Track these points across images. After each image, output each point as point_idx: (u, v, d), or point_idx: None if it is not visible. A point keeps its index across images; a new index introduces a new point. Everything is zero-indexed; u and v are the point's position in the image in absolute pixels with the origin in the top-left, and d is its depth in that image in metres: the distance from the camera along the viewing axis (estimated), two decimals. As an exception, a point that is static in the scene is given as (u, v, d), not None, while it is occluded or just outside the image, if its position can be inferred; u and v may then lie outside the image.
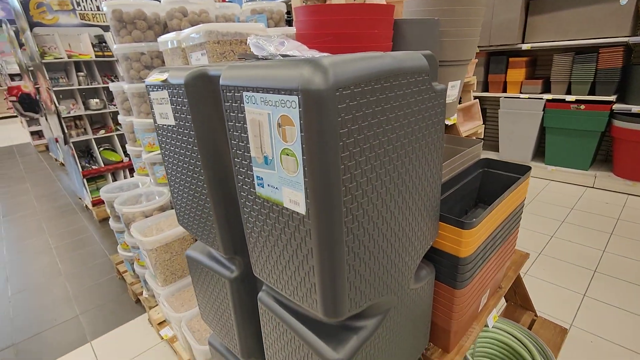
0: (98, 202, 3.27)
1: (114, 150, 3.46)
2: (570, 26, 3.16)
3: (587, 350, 1.62)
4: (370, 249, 0.60)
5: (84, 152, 3.41)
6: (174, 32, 1.25)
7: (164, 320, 1.81)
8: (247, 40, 1.08)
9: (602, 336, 1.69)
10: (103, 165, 3.28)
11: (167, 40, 1.28)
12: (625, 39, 2.90)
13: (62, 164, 5.17)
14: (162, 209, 1.82)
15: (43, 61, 2.85)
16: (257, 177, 0.61)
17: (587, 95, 3.20)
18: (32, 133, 6.29)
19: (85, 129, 3.27)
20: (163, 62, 1.82)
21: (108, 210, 2.05)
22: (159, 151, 1.86)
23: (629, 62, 3.26)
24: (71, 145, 3.08)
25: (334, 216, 0.52)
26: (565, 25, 3.19)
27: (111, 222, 2.08)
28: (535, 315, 1.60)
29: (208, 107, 0.72)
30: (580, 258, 2.28)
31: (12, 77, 5.55)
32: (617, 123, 3.06)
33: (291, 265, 0.62)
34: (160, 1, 1.78)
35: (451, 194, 1.11)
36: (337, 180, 0.51)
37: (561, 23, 3.21)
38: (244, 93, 0.56)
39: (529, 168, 1.16)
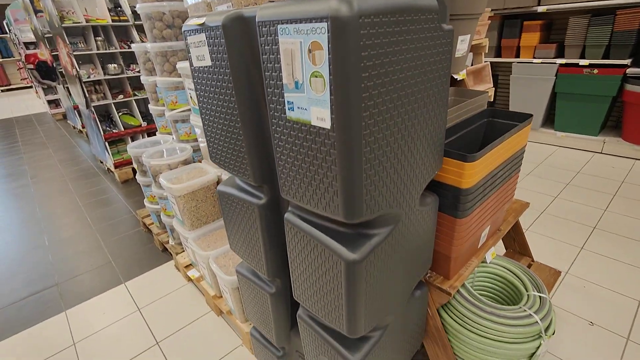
0: (120, 165, 3.44)
1: (132, 115, 3.58)
2: (588, -13, 3.09)
3: (579, 293, 1.76)
4: (383, 163, 0.72)
5: (104, 116, 3.54)
6: (199, -13, 1.32)
7: (190, 264, 1.99)
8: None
9: (595, 282, 1.82)
10: (123, 129, 3.42)
11: (192, -5, 1.36)
12: (644, 0, 2.84)
13: (80, 131, 5.35)
14: (186, 162, 1.96)
15: (63, 25, 2.93)
16: (288, 101, 0.72)
17: (601, 59, 3.18)
18: (49, 102, 6.44)
19: (104, 94, 3.39)
20: (184, 21, 1.90)
21: (135, 166, 2.20)
22: (181, 109, 1.98)
23: (647, 25, 3.19)
24: (92, 109, 3.21)
25: (354, 129, 0.63)
26: (583, -14, 3.12)
27: (138, 177, 2.23)
28: (532, 261, 1.73)
29: (242, 46, 0.82)
30: (582, 216, 2.38)
31: (26, 45, 5.63)
32: (629, 87, 3.05)
33: (316, 177, 0.74)
34: (179, -40, 1.83)
35: (456, 139, 1.21)
36: (358, 97, 0.61)
37: (579, -17, 3.14)
38: (279, 26, 0.66)
39: (530, 115, 1.24)
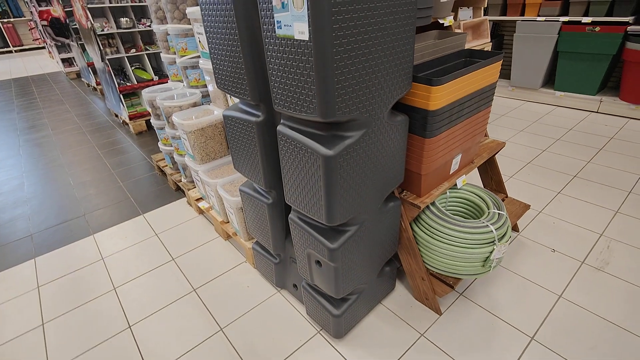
0: (134, 117, 3.65)
1: (144, 69, 3.74)
2: (597, -60, 3.05)
3: (548, 228, 1.95)
4: (352, 72, 0.89)
5: (118, 70, 3.71)
6: None
7: (201, 197, 2.23)
8: None
9: (564, 219, 2.01)
10: (136, 83, 3.60)
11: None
12: (651, -47, 2.81)
13: (95, 89, 5.54)
14: (195, 104, 2.14)
15: (76, -22, 3.04)
16: (277, 21, 0.88)
17: (604, 16, 3.18)
18: (63, 61, 6.60)
19: (117, 48, 3.54)
20: (191, -31, 2.01)
21: (149, 110, 2.39)
22: (191, 55, 2.14)
23: (655, -19, 3.16)
24: (107, 62, 3.38)
25: (326, 38, 0.80)
26: (592, -61, 3.07)
27: (152, 120, 2.44)
28: (506, 196, 1.92)
29: (241, -22, 0.98)
30: (565, 167, 2.53)
31: (39, 2, 5.72)
32: (629, 45, 3.08)
33: (299, 85, 0.92)
34: None
35: (434, 73, 1.36)
36: (329, 12, 0.78)
37: (588, -64, 3.09)
38: (268, -46, 0.82)
39: (500, 53, 1.38)
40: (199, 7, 1.82)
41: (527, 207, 1.83)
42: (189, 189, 2.32)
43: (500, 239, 1.34)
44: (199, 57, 2.15)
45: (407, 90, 1.11)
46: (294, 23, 0.84)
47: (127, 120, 3.68)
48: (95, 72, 5.22)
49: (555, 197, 2.21)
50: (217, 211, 2.00)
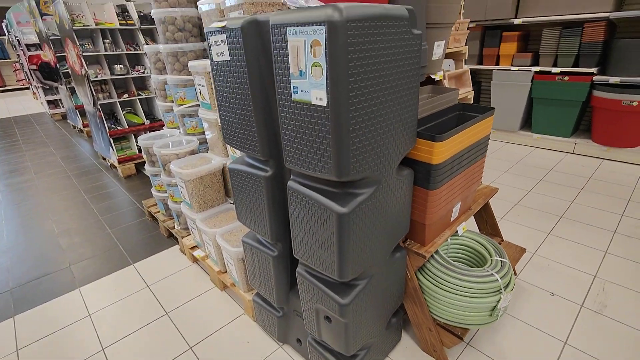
0: (123, 160, 3.61)
1: (136, 113, 3.76)
2: (559, 2, 3.40)
3: (544, 270, 1.99)
4: (366, 133, 0.93)
5: (109, 115, 3.71)
6: (213, -4, 1.54)
7: (195, 245, 2.18)
8: (277, 1, 1.38)
9: (558, 261, 2.05)
10: (127, 127, 3.60)
11: (207, 3, 1.57)
12: (607, 14, 3.15)
13: (81, 130, 5.48)
14: (192, 152, 2.15)
15: (74, 28, 3.12)
16: (293, 86, 0.93)
17: (572, 67, 3.47)
18: (49, 102, 6.57)
19: (110, 93, 3.57)
20: (194, 25, 2.11)
21: (145, 157, 2.38)
22: (189, 104, 2.18)
23: (611, 37, 3.51)
24: (99, 107, 3.39)
25: (344, 105, 0.85)
26: (555, 1, 3.43)
27: (147, 167, 2.42)
28: (502, 240, 1.96)
29: (256, 44, 1.04)
30: (551, 207, 2.63)
31: (28, 47, 5.78)
32: (596, 93, 3.35)
33: (314, 145, 0.95)
34: (190, -29, 2.05)
35: (431, 127, 1.44)
36: (347, 81, 0.83)
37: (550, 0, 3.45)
38: (288, 28, 0.88)
39: (492, 108, 1.47)
40: (200, 61, 1.89)
41: (523, 250, 1.87)
42: (183, 237, 2.26)
43: (505, 287, 1.35)
44: (197, 106, 2.19)
45: (412, 146, 1.17)
46: (311, 90, 0.89)
47: (116, 164, 3.63)
48: (83, 114, 5.21)
49: (546, 239, 2.27)
50: (214, 260, 1.94)
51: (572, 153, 3.66)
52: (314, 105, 0.90)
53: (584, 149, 3.57)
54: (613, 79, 3.24)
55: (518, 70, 3.79)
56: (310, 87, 0.88)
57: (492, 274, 1.36)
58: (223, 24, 1.07)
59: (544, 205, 2.66)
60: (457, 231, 1.55)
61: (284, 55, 0.92)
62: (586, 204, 2.64)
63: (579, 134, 3.81)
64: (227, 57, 1.11)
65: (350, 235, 1.02)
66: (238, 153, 1.80)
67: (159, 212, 2.60)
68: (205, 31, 1.15)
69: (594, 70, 3.34)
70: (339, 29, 0.78)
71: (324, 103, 0.87)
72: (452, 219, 1.54)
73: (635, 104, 3.10)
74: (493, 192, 1.82)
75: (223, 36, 1.09)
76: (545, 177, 3.14)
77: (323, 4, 1.02)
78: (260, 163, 1.26)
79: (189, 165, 1.98)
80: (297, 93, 0.93)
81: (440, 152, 1.20)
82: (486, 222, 1.99)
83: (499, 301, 1.34)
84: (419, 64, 1.06)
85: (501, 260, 1.44)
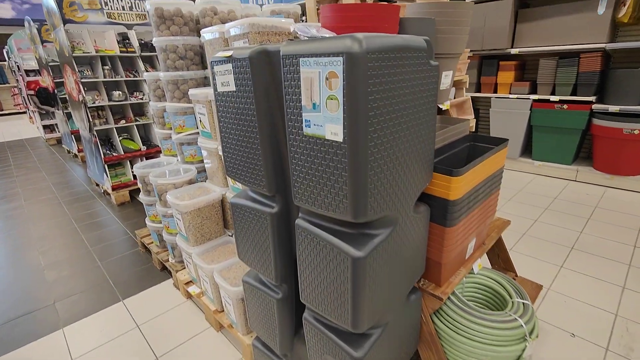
0: (117, 187, 3.50)
1: (132, 139, 3.69)
2: (554, 33, 3.47)
3: (561, 307, 1.88)
4: (384, 170, 0.86)
5: (105, 140, 3.64)
6: (217, 25, 1.50)
7: (190, 281, 2.05)
8: (288, 29, 1.35)
9: (575, 297, 1.95)
10: (123, 153, 3.51)
11: (210, 31, 1.53)
12: (603, 45, 3.21)
13: (75, 155, 5.39)
14: (190, 182, 2.07)
15: (73, 55, 3.10)
16: (305, 120, 0.86)
17: (570, 96, 3.50)
18: (45, 127, 6.51)
19: (107, 119, 3.51)
20: (195, 53, 2.08)
21: (140, 185, 2.29)
22: (188, 132, 2.11)
23: (607, 66, 3.57)
24: (94, 133, 3.32)
25: (362, 141, 0.78)
26: (550, 32, 3.50)
27: (142, 196, 2.32)
28: (516, 275, 1.86)
29: (264, 75, 0.98)
30: (560, 238, 2.55)
31: (27, 72, 5.78)
32: (596, 121, 3.35)
33: (328, 183, 0.87)
34: (194, 1, 2.04)
35: (443, 159, 1.37)
36: (366, 115, 0.76)
37: (546, 30, 3.52)
38: (301, 59, 0.82)
39: (506, 140, 1.42)
40: (202, 89, 1.84)
41: (540, 287, 1.77)
42: (177, 270, 2.13)
43: (530, 334, 1.24)
44: (196, 134, 2.12)
45: (429, 181, 1.09)
46: (326, 124, 0.82)
47: (110, 191, 3.52)
48: (78, 139, 5.13)
49: (559, 272, 2.17)
50: (211, 299, 1.81)
51: (575, 180, 3.63)
52: (328, 140, 0.83)
53: (587, 177, 3.54)
54: (612, 108, 3.25)
55: (516, 98, 3.81)
56: (325, 121, 0.81)
57: (515, 318, 1.25)
58: (229, 53, 1.02)
59: (552, 236, 2.57)
60: (472, 269, 1.45)
61: (296, 87, 0.86)
62: (596, 235, 2.56)
63: (580, 161, 3.79)
64: (232, 88, 1.05)
65: (366, 281, 0.92)
66: (239, 184, 1.71)
67: (152, 243, 2.47)
68: (209, 61, 1.10)
69: (592, 99, 3.36)
70: (358, 61, 0.72)
71: (339, 138, 0.80)
72: (467, 256, 1.45)
73: (636, 132, 3.09)
74: (505, 225, 1.74)
75: (229, 66, 1.03)
76: (550, 205, 3.08)
77: (335, 34, 0.97)
78: (266, 198, 1.17)
79: (187, 195, 1.89)
80: (310, 127, 0.86)
81: (458, 187, 1.13)
82: (498, 255, 1.90)
83: (524, 350, 1.23)
84: (436, 96, 1.00)
85: (523, 303, 1.33)
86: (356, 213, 0.85)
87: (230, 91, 1.06)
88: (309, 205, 0.95)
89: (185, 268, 2.14)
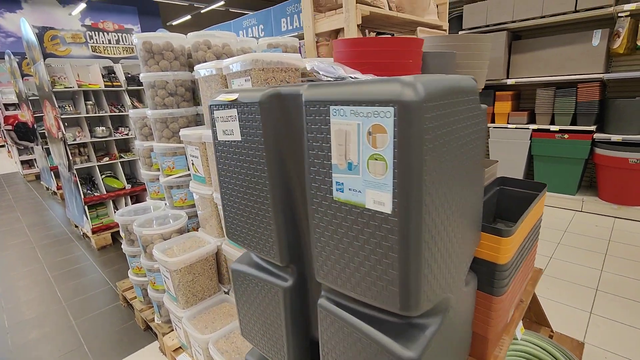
0: (98, 230, 3.21)
1: (116, 177, 3.45)
2: (550, 63, 3.47)
3: (601, 365, 1.67)
4: (439, 246, 0.67)
5: (86, 179, 3.38)
6: (214, 61, 1.34)
7: (180, 347, 1.77)
8: (295, 64, 1.19)
9: (615, 352, 1.74)
10: (105, 192, 3.25)
11: (206, 67, 1.37)
12: (601, 75, 3.19)
13: (54, 193, 5.07)
14: (180, 231, 1.83)
15: (54, 90, 2.90)
16: (337, 182, 0.67)
17: (570, 125, 3.45)
18: (23, 162, 6.18)
19: (89, 156, 3.27)
20: (187, 89, 1.91)
21: (122, 234, 2.03)
22: (178, 175, 1.90)
23: (605, 96, 3.56)
24: (74, 172, 3.07)
25: (416, 213, 0.59)
26: (545, 63, 3.49)
27: (124, 247, 2.06)
28: (552, 331, 1.65)
29: (277, 123, 0.80)
30: (581, 277, 2.37)
31: (6, 107, 5.52)
32: (598, 151, 3.29)
33: (366, 264, 0.67)
34: (186, 35, 1.90)
35: (477, 209, 1.20)
36: (421, 179, 0.58)
37: (541, 61, 3.52)
38: (331, 107, 0.64)
39: (545, 185, 1.26)
40: (194, 130, 1.66)
41: (582, 345, 1.56)
42: (164, 333, 1.85)
43: (597, 421, 1.03)
44: (187, 176, 1.92)
45: (477, 244, 0.90)
46: (366, 190, 0.63)
47: (90, 234, 3.23)
48: (57, 175, 4.84)
49: (590, 320, 1.97)
50: (204, 372, 1.54)
51: (581, 211, 3.51)
52: (369, 210, 0.64)
53: (593, 207, 3.43)
54: (615, 137, 3.20)
55: (515, 128, 3.75)
56: (365, 186, 0.63)
57: (577, 402, 1.03)
58: (234, 96, 0.84)
59: (573, 276, 2.40)
60: (516, 336, 1.24)
61: (324, 141, 0.67)
62: (617, 273, 2.40)
63: (583, 191, 3.70)
64: (237, 137, 0.86)
65: (417, 387, 0.70)
66: (237, 236, 1.50)
67: (135, 298, 2.18)
68: (207, 104, 0.92)
69: (593, 128, 3.31)
70: (415, 112, 0.55)
71: (387, 209, 0.61)
72: (508, 320, 1.24)
73: (642, 162, 3.02)
74: (538, 275, 1.55)
75: (233, 111, 0.85)
76: (562, 240, 2.93)
77: (372, 76, 0.81)
78: (277, 268, 0.96)
79: (176, 248, 1.65)
80: (342, 191, 0.67)
81: (508, 248, 0.94)
82: (530, 308, 1.70)
83: None
84: (484, 144, 0.83)
85: (581, 378, 1.12)
86: (406, 305, 0.64)
87: (234, 141, 0.87)
88: (338, 287, 0.75)
89: (173, 330, 1.86)
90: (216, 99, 0.89)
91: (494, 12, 3.57)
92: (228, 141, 0.89)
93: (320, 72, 0.78)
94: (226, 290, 1.76)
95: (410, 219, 0.59)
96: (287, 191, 0.85)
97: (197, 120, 1.99)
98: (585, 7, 3.10)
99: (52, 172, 4.74)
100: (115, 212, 3.37)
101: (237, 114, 0.84)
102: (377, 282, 0.67)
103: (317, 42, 2.22)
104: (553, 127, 3.52)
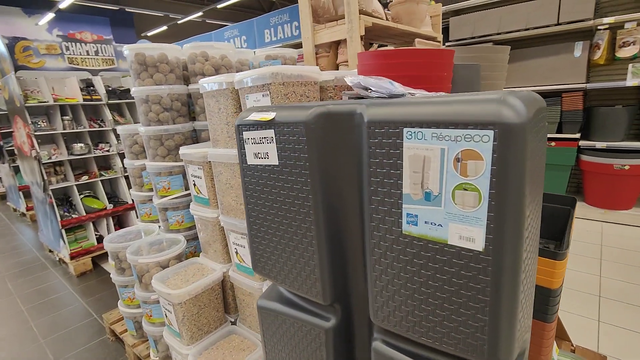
0: (77, 255, 2.96)
1: (96, 197, 3.21)
2: (535, 74, 3.56)
3: (621, 377, 1.64)
4: (529, 284, 0.59)
5: (62, 200, 3.13)
6: (224, 75, 1.24)
7: (182, 386, 1.60)
8: (316, 78, 1.10)
9: (630, 361, 1.73)
10: (84, 214, 3.02)
11: (213, 81, 1.26)
12: (584, 85, 3.30)
13: (24, 214, 4.69)
14: (179, 257, 1.69)
15: (26, 105, 2.68)
16: (408, 214, 0.59)
17: (556, 133, 3.54)
18: (-15, 182, 5.71)
19: (65, 175, 3.03)
20: (183, 104, 1.79)
21: (112, 263, 1.85)
22: (175, 195, 1.76)
23: (590, 104, 3.69)
24: (50, 192, 2.83)
25: (517, 251, 0.51)
26: (531, 73, 3.59)
27: (114, 276, 1.88)
28: (572, 345, 1.61)
29: (324, 146, 0.70)
30: (582, 284, 2.38)
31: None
32: (585, 157, 3.38)
33: (445, 307, 0.59)
34: (181, 46, 1.78)
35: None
36: (522, 213, 0.50)
37: (527, 71, 3.61)
38: (405, 129, 0.56)
39: (575, 199, 1.22)
40: (196, 148, 1.53)
41: (605, 358, 1.53)
42: (161, 371, 1.68)
43: None
44: (184, 197, 1.77)
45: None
46: (449, 223, 0.55)
47: (67, 260, 2.97)
48: (27, 195, 4.49)
49: (600, 329, 1.97)
50: (214, 416, 1.39)
51: (570, 217, 3.58)
52: (452, 246, 0.55)
53: (581, 212, 3.51)
54: (600, 144, 3.30)
55: (504, 136, 3.81)
56: (449, 219, 0.54)
57: None
58: (270, 115, 0.74)
59: (574, 283, 2.40)
60: (553, 357, 1.19)
61: (393, 167, 0.59)
62: (615, 278, 2.43)
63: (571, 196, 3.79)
64: (273, 162, 0.76)
65: None
66: (246, 259, 1.38)
67: (126, 332, 1.99)
68: (236, 124, 0.81)
69: (577, 135, 3.41)
70: (518, 136, 0.47)
71: (478, 247, 0.53)
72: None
73: (627, 167, 3.12)
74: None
75: (270, 132, 0.75)
76: (558, 246, 2.96)
77: (425, 92, 0.73)
78: (316, 306, 0.85)
79: (178, 278, 1.51)
80: (416, 225, 0.58)
81: (562, 272, 0.88)
82: (549, 323, 1.65)
83: None
84: (544, 161, 0.77)
85: (627, 402, 1.07)
86: (498, 354, 0.56)
87: (269, 165, 0.77)
88: (403, 331, 0.66)
89: (172, 367, 1.69)
90: (247, 119, 0.79)
91: (480, 24, 3.65)
92: (261, 165, 0.79)
93: (372, 88, 0.70)
94: (232, 320, 1.62)
95: (509, 258, 0.51)
96: (335, 223, 0.75)
97: (193, 137, 1.86)
98: (567, 20, 3.21)
99: (20, 192, 4.40)
100: (95, 234, 3.13)
101: (273, 136, 0.74)
102: (459, 329, 0.58)
103: (316, 53, 2.15)
104: (540, 135, 3.60)
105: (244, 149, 0.81)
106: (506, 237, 0.51)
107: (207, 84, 1.30)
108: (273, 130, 0.74)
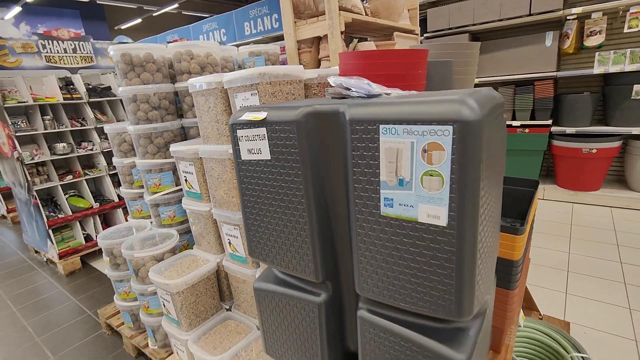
0: (65, 254, 2.97)
1: (81, 196, 3.21)
2: (509, 63, 3.72)
3: (584, 341, 1.82)
4: (486, 253, 0.70)
5: (47, 200, 3.11)
6: (214, 75, 1.30)
7: (182, 372, 1.69)
8: (300, 76, 1.18)
9: (592, 327, 1.92)
10: (71, 213, 3.02)
11: (202, 81, 1.32)
12: (554, 74, 3.48)
13: (4, 217, 4.60)
14: (173, 251, 1.75)
15: (5, 105, 2.64)
16: (385, 198, 0.69)
17: (529, 120, 3.73)
18: (-40, 185, 5.53)
19: (49, 176, 3.01)
20: (171, 102, 1.83)
21: (106, 259, 1.90)
22: (166, 191, 1.82)
23: (560, 92, 3.89)
24: (35, 193, 2.81)
25: (473, 224, 0.62)
26: (505, 63, 3.75)
27: (108, 272, 1.93)
28: (540, 314, 1.78)
29: (313, 141, 0.79)
30: (553, 260, 2.58)
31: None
32: (556, 142, 3.59)
33: (418, 274, 0.69)
34: (166, 45, 1.82)
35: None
36: (477, 194, 0.61)
37: (501, 61, 3.77)
38: (381, 126, 0.65)
39: (537, 182, 1.36)
40: (186, 145, 1.59)
41: (568, 324, 1.70)
42: (161, 359, 1.76)
43: (602, 395, 1.13)
44: (175, 192, 1.83)
45: (499, 245, 0.96)
46: (419, 204, 0.65)
47: (56, 260, 2.97)
48: (6, 197, 4.40)
49: (567, 300, 2.15)
50: (215, 396, 1.48)
51: (542, 199, 3.81)
52: (422, 224, 0.66)
53: (553, 194, 3.73)
54: (569, 130, 3.50)
55: (480, 124, 3.98)
56: (419, 200, 0.65)
57: (585, 380, 1.13)
58: (262, 115, 0.82)
59: (545, 259, 2.60)
60: (520, 324, 1.33)
61: (371, 159, 0.68)
62: (583, 254, 2.63)
63: (543, 180, 4.01)
64: (266, 157, 0.85)
65: (469, 388, 0.73)
66: (239, 248, 1.46)
67: (123, 325, 2.05)
68: (230, 123, 0.89)
69: (549, 122, 3.60)
70: (473, 130, 0.58)
71: (442, 222, 0.63)
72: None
73: (594, 151, 3.34)
74: (528, 262, 1.66)
75: (261, 130, 0.83)
76: (531, 227, 3.16)
77: (400, 91, 0.83)
78: (308, 284, 0.95)
79: (174, 270, 1.58)
80: (392, 207, 0.68)
81: (521, 245, 1.01)
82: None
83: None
84: (505, 150, 0.88)
85: (582, 357, 1.23)
86: (461, 310, 0.67)
87: (262, 160, 0.86)
88: (385, 299, 0.76)
89: (172, 354, 1.77)
90: (240, 119, 0.87)
91: (456, 15, 3.77)
92: (254, 160, 0.88)
93: (353, 89, 0.79)
94: (227, 307, 1.71)
95: (468, 231, 0.62)
96: (324, 208, 0.84)
97: (182, 134, 1.91)
98: (538, 11, 3.37)
99: (0, 194, 4.31)
100: (83, 233, 3.14)
101: (265, 133, 0.83)
102: (430, 292, 0.69)
103: (299, 49, 2.21)
104: (515, 123, 3.79)
105: (238, 145, 0.89)
106: (465, 214, 0.61)
107: (197, 84, 1.36)
108: (265, 128, 0.82)
